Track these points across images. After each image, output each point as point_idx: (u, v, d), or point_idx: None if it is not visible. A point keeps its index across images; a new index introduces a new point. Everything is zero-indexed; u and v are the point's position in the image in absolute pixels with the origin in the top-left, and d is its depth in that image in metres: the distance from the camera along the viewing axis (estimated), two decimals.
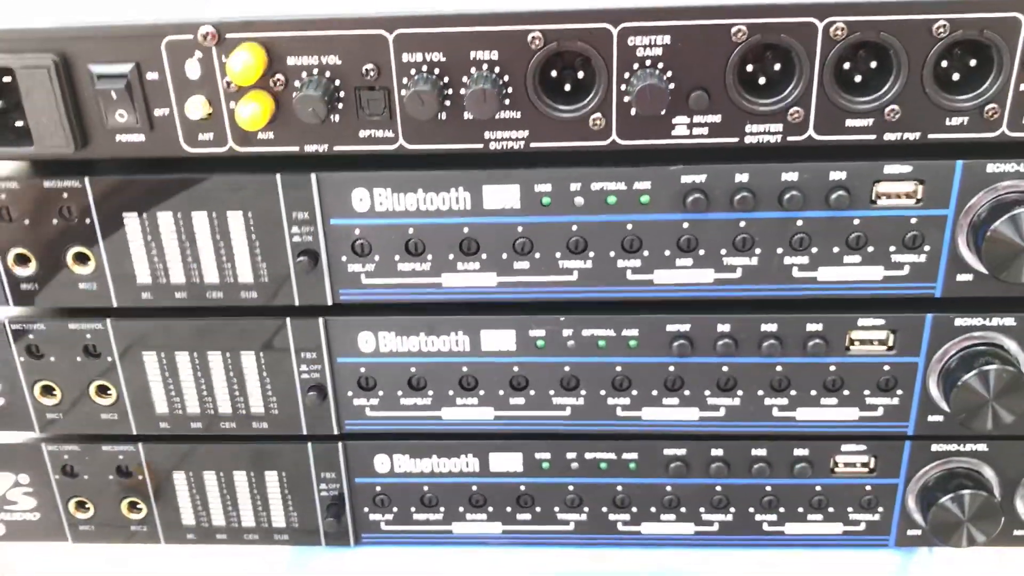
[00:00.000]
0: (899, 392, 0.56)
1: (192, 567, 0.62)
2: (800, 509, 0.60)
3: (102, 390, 0.58)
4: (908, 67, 0.48)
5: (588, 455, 0.59)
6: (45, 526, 0.62)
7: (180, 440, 0.59)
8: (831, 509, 0.60)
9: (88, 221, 0.53)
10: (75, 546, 0.63)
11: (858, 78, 0.49)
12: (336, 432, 0.59)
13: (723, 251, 0.53)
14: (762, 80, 0.49)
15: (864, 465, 0.59)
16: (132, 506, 0.62)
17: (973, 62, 0.48)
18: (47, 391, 0.58)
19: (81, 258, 0.54)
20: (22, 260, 0.54)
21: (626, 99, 0.49)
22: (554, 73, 0.49)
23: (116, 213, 0.53)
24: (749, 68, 0.49)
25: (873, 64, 0.49)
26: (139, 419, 0.58)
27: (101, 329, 0.56)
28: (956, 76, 0.49)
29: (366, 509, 0.61)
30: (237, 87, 0.49)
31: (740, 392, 0.56)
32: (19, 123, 0.51)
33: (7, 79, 0.50)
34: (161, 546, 0.63)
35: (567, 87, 0.50)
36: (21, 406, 0.58)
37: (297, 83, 0.49)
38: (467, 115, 0.49)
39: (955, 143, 0.50)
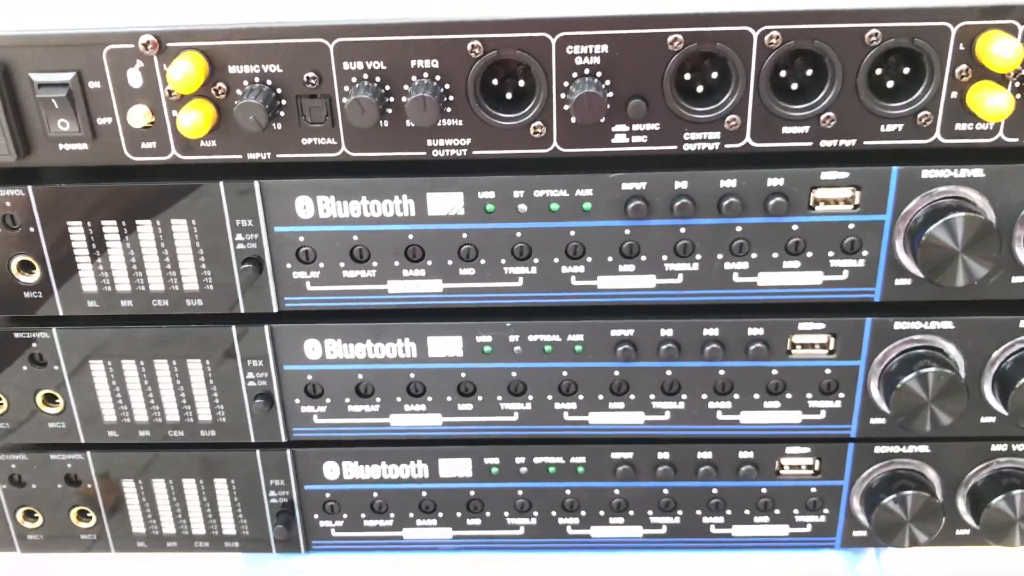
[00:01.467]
0: (841, 395, 0.57)
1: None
2: (747, 511, 0.60)
3: (49, 399, 0.58)
4: (843, 75, 0.48)
5: (536, 459, 0.59)
6: None
7: (129, 448, 0.59)
8: (777, 511, 0.60)
9: (32, 229, 0.53)
10: (23, 556, 0.63)
11: (794, 86, 0.50)
12: (284, 439, 0.59)
13: (664, 257, 0.53)
14: (700, 88, 0.50)
15: (809, 467, 0.59)
16: (82, 515, 0.61)
17: (906, 70, 0.49)
18: None
19: (26, 266, 0.54)
20: None
21: (566, 107, 0.49)
22: (495, 81, 0.50)
23: (60, 221, 0.53)
24: (687, 76, 0.50)
25: (809, 72, 0.50)
26: (87, 428, 0.58)
27: (47, 338, 0.56)
28: (890, 84, 0.49)
29: (316, 516, 0.61)
30: (179, 95, 0.49)
31: (684, 396, 0.57)
32: None
33: None
34: (111, 555, 0.63)
35: (508, 95, 0.50)
36: None
37: (239, 91, 0.49)
38: (409, 123, 0.50)
39: (890, 149, 0.50)
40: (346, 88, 0.49)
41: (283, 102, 0.50)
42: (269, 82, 0.49)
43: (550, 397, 0.57)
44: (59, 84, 0.49)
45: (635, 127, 0.50)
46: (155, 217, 0.53)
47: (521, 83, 0.50)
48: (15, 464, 0.60)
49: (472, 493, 0.60)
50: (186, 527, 0.62)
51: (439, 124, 0.50)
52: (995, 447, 0.58)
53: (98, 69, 0.49)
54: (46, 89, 0.49)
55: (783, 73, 0.50)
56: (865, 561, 0.62)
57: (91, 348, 0.56)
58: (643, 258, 0.53)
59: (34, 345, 0.56)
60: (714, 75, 0.50)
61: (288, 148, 0.51)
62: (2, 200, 0.52)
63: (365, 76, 0.49)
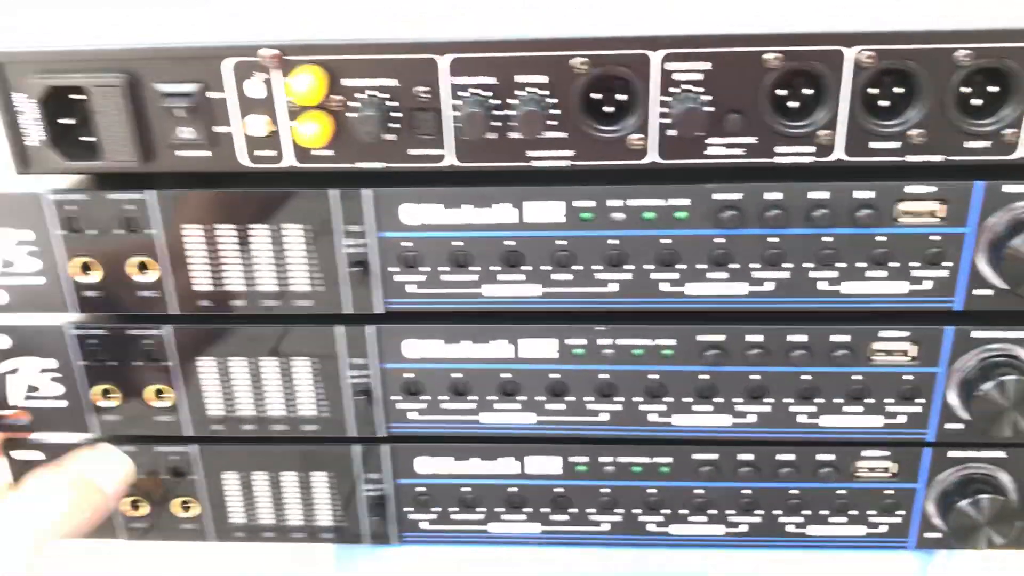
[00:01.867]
0: (920, 401, 0.58)
1: (241, 564, 0.65)
2: (824, 512, 0.62)
3: (159, 393, 0.61)
4: (932, 93, 0.50)
5: (622, 459, 0.61)
6: (101, 525, 0.65)
7: (233, 442, 0.62)
8: (853, 512, 0.62)
9: (150, 232, 0.56)
10: (128, 543, 0.66)
11: (884, 102, 0.52)
12: (382, 435, 0.61)
13: (754, 265, 0.55)
14: (793, 104, 0.52)
15: (885, 470, 0.61)
16: (184, 505, 0.64)
17: (993, 88, 0.51)
18: (106, 394, 0.61)
19: (143, 267, 0.57)
20: (86, 268, 0.57)
21: (665, 121, 0.52)
22: (597, 95, 0.52)
23: (177, 225, 0.56)
24: (781, 93, 0.52)
25: (898, 89, 0.52)
26: (194, 422, 0.61)
27: (160, 335, 0.59)
28: (977, 102, 0.51)
29: (408, 509, 0.64)
30: (298, 106, 0.52)
31: (769, 400, 0.59)
32: (86, 138, 0.54)
33: (77, 97, 0.53)
34: (210, 544, 0.66)
35: (609, 109, 0.53)
36: (79, 409, 0.61)
37: (354, 103, 0.52)
38: (513, 135, 0.52)
39: (975, 165, 0.52)
40: (456, 102, 0.52)
41: (395, 114, 0.52)
42: (383, 95, 0.52)
43: (638, 399, 0.59)
44: (183, 94, 0.52)
45: (730, 140, 0.52)
46: (269, 222, 0.56)
47: (621, 97, 0.52)
48: (125, 456, 0.63)
49: (559, 490, 0.63)
50: (283, 518, 0.64)
51: (542, 136, 0.52)
52: None
53: (220, 80, 0.52)
54: (171, 99, 0.52)
55: (873, 90, 0.52)
56: (937, 562, 0.64)
57: (202, 345, 0.59)
58: (734, 266, 0.55)
59: (148, 342, 0.59)
60: (808, 92, 0.52)
61: (397, 158, 0.54)
62: (123, 204, 0.55)
63: (474, 90, 0.52)
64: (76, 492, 0.57)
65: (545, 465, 0.62)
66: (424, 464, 0.62)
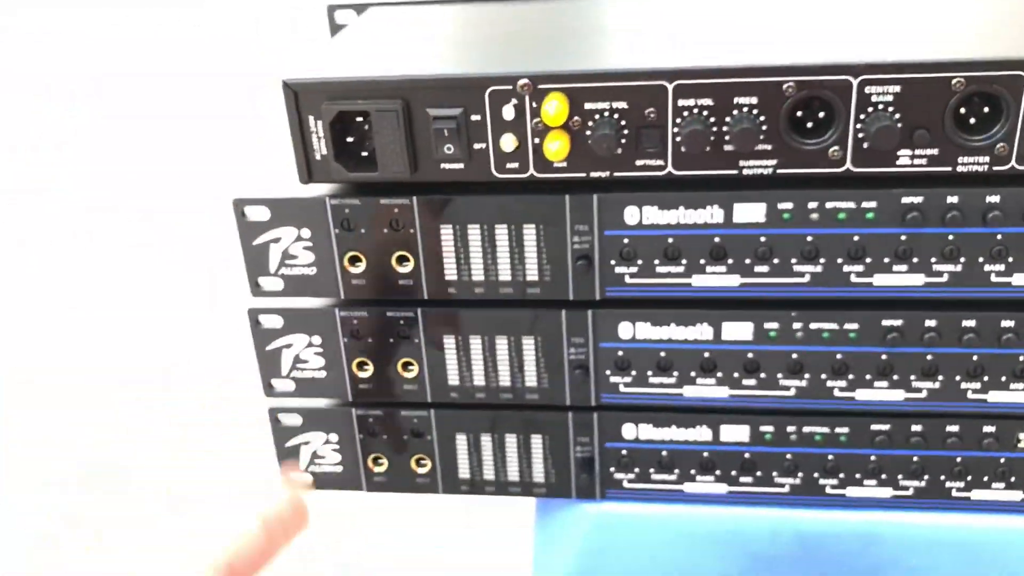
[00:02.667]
0: None
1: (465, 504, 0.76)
2: (986, 478, 0.70)
3: (406, 366, 0.72)
4: None
5: (806, 429, 0.70)
6: (345, 477, 0.76)
7: (466, 408, 0.73)
8: (1013, 479, 0.70)
9: (411, 231, 0.67)
10: (367, 494, 0.77)
11: None
12: (593, 404, 0.71)
13: (933, 259, 0.63)
14: (972, 120, 0.60)
15: None
16: (418, 462, 0.75)
17: None
18: (361, 366, 0.72)
19: (402, 260, 0.68)
20: (354, 261, 0.68)
21: (860, 136, 0.60)
22: (799, 113, 0.61)
23: (434, 225, 0.66)
24: (963, 110, 0.60)
25: None
26: (434, 390, 0.72)
27: (412, 316, 0.70)
28: None
29: (612, 469, 0.74)
30: (544, 126, 0.62)
31: (941, 377, 0.67)
32: (364, 153, 0.65)
33: (359, 120, 0.64)
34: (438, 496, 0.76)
35: (809, 124, 0.61)
36: (339, 377, 0.72)
37: (590, 123, 0.62)
38: (726, 147, 0.61)
39: None
40: (678, 120, 0.61)
41: (625, 131, 0.62)
42: (616, 116, 0.61)
43: (824, 376, 0.68)
44: (450, 118, 0.63)
45: (917, 152, 0.60)
46: (510, 223, 0.66)
47: (820, 114, 0.61)
48: (371, 419, 0.74)
49: (747, 455, 0.72)
50: (504, 475, 0.75)
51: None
52: None
53: (480, 105, 0.62)
54: (439, 122, 0.63)
55: None
56: None
57: (446, 326, 0.70)
58: (915, 260, 0.63)
59: (401, 323, 0.70)
60: (986, 109, 0.60)
61: (624, 168, 0.63)
62: (392, 207, 0.66)
63: (695, 110, 0.61)
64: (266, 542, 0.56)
65: (736, 433, 0.71)
66: (629, 430, 0.72)
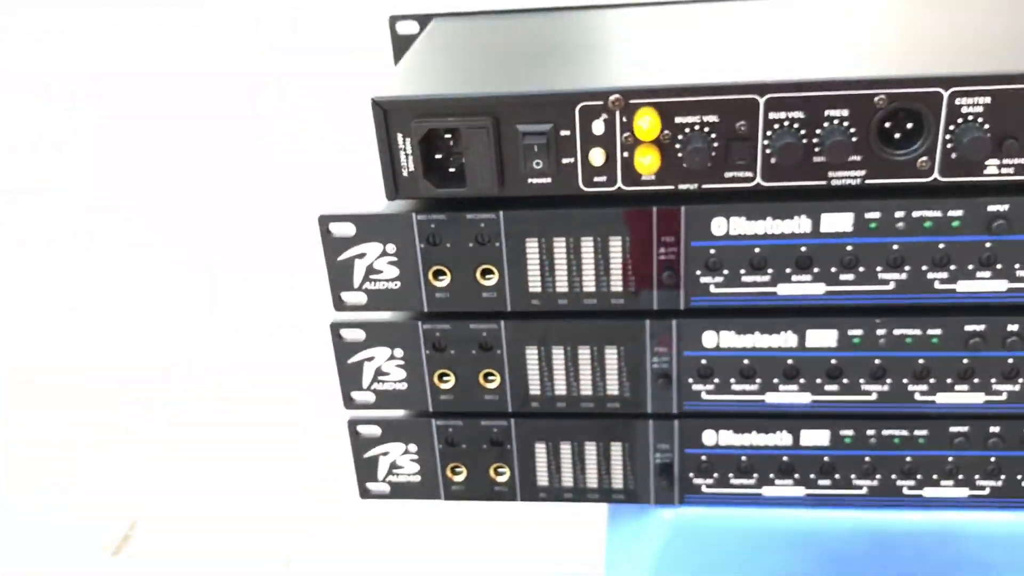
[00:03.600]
0: None
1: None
2: None
3: (487, 377, 0.72)
4: None
5: (885, 432, 0.71)
6: (424, 487, 0.77)
7: (546, 416, 0.73)
8: None
9: (496, 245, 0.67)
10: (445, 503, 0.78)
11: None
12: (675, 411, 0.72)
13: (1017, 265, 0.64)
14: None
15: None
16: (497, 470, 0.76)
17: None
18: (443, 377, 0.72)
19: (486, 273, 0.68)
20: (439, 275, 0.69)
21: (949, 146, 0.61)
22: (887, 124, 0.62)
23: (520, 238, 0.67)
24: None
25: None
26: (515, 400, 0.73)
27: (495, 328, 0.70)
28: None
29: (691, 474, 0.74)
30: (633, 140, 0.63)
31: (1021, 380, 0.68)
32: (451, 169, 0.65)
33: (446, 136, 0.64)
34: (517, 503, 0.77)
35: (897, 135, 0.62)
36: (419, 389, 0.73)
37: (680, 136, 0.62)
38: (817, 159, 0.62)
39: None
40: (768, 133, 0.62)
41: (715, 144, 0.62)
42: (707, 129, 0.62)
43: (906, 381, 0.69)
44: (540, 133, 0.63)
45: (1005, 161, 0.61)
46: (596, 235, 0.66)
47: (909, 125, 0.62)
48: (452, 429, 0.74)
49: (826, 459, 0.72)
50: (582, 481, 0.76)
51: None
52: None
53: (570, 121, 0.63)
54: (529, 137, 0.63)
55: None
56: None
57: (529, 337, 0.70)
58: (998, 267, 0.64)
59: (484, 335, 0.70)
60: None
61: (713, 179, 0.64)
62: (478, 222, 0.66)
63: (786, 123, 0.61)
64: None
65: (815, 437, 0.72)
66: (710, 436, 0.73)
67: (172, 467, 1.87)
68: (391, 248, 0.68)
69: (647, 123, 0.61)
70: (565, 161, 0.64)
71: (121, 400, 2.10)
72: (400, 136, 0.64)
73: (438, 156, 0.65)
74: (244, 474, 1.79)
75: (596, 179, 0.64)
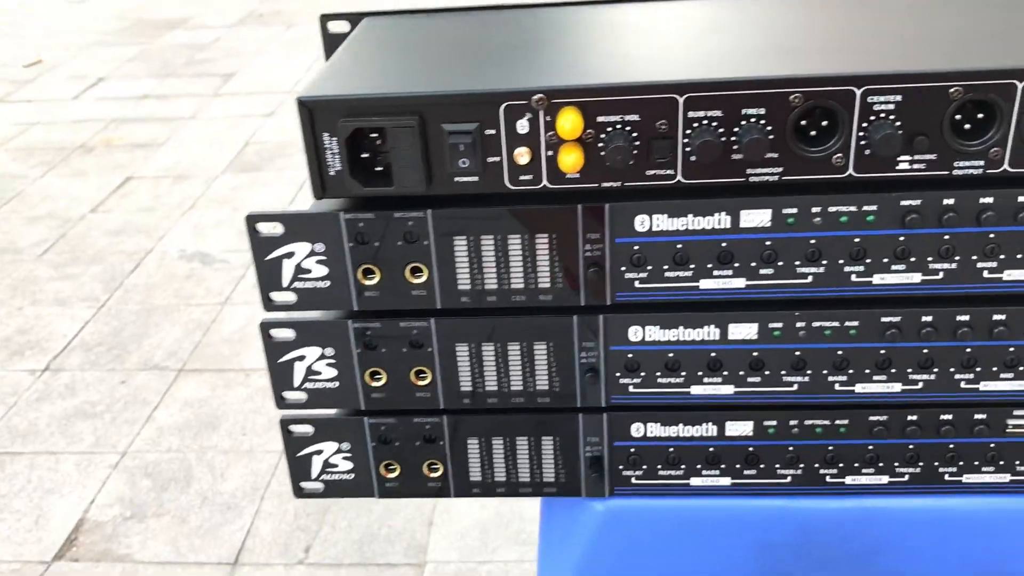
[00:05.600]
0: None
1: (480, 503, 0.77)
2: (976, 463, 0.74)
3: (419, 374, 0.73)
4: None
5: (807, 422, 0.73)
6: (358, 484, 0.77)
7: (478, 413, 0.74)
8: (1002, 462, 0.74)
9: (425, 243, 0.68)
10: (379, 500, 0.78)
11: None
12: (603, 405, 0.73)
13: (930, 258, 0.66)
14: (967, 126, 0.63)
15: None
16: (431, 467, 0.77)
17: None
18: (374, 376, 0.73)
19: (416, 271, 0.69)
20: (368, 273, 0.69)
21: (863, 142, 0.63)
22: (803, 122, 0.63)
23: (448, 236, 0.67)
24: (958, 117, 0.63)
25: None
26: (447, 397, 0.73)
27: (426, 326, 0.71)
28: None
29: (621, 467, 0.76)
30: (558, 139, 0.63)
31: (936, 369, 0.70)
32: (378, 168, 0.66)
33: (373, 135, 0.65)
34: (450, 499, 0.78)
35: (813, 132, 0.64)
36: (351, 387, 0.73)
37: (603, 135, 0.63)
38: (735, 156, 0.64)
39: None
40: (688, 131, 0.63)
41: (636, 143, 0.64)
42: (628, 128, 0.63)
43: (825, 371, 0.71)
44: (465, 132, 0.64)
45: (917, 157, 0.63)
46: (523, 233, 0.67)
47: (824, 123, 0.63)
48: (384, 426, 0.75)
49: (751, 449, 0.74)
50: (515, 476, 0.76)
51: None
52: None
53: (495, 120, 0.63)
54: (455, 136, 0.64)
55: None
56: None
57: (459, 334, 0.71)
58: (912, 259, 0.66)
59: (415, 332, 0.71)
60: (979, 115, 0.63)
61: (635, 178, 0.65)
62: (406, 220, 0.67)
63: (705, 122, 0.63)
64: None
65: (740, 428, 0.74)
66: (638, 429, 0.74)
67: None
68: (320, 247, 0.68)
69: (569, 122, 0.62)
70: (491, 160, 0.65)
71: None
72: (326, 136, 0.64)
73: (365, 155, 0.65)
74: None
75: (522, 177, 0.65)
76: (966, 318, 0.68)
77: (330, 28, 0.84)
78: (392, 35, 0.78)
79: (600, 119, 0.63)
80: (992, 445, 0.73)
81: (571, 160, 0.63)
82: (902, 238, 0.66)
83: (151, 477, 1.82)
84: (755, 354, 0.71)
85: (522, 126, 0.64)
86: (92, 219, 2.81)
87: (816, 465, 0.75)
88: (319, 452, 0.77)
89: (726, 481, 0.76)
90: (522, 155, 0.64)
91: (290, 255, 0.69)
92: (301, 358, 0.73)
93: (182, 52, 4.10)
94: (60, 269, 2.56)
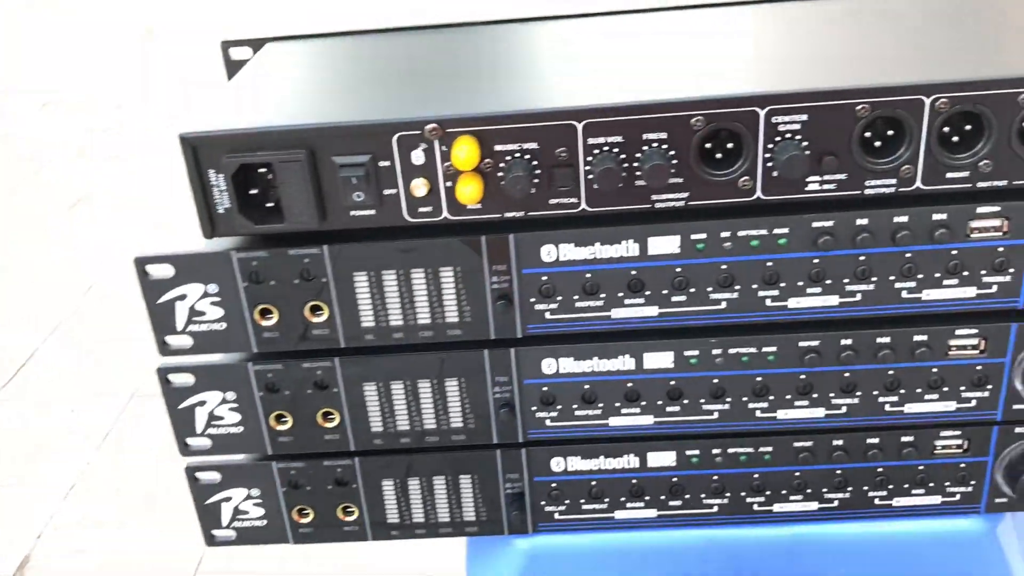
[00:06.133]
0: (989, 387, 0.67)
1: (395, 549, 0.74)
2: (906, 486, 0.72)
3: (327, 416, 0.70)
4: (998, 129, 0.59)
5: (731, 450, 0.71)
6: (271, 531, 0.74)
7: (391, 453, 0.71)
8: (932, 484, 0.72)
9: (324, 280, 0.65)
10: (294, 547, 0.75)
11: (955, 138, 0.61)
12: (521, 440, 0.71)
13: (846, 280, 0.64)
14: (878, 144, 0.61)
15: (959, 447, 0.70)
16: (345, 510, 0.73)
17: None
18: (279, 419, 0.70)
19: (315, 310, 0.66)
20: (265, 314, 0.66)
21: (769, 164, 0.61)
22: (708, 145, 0.61)
23: (347, 272, 0.64)
24: (868, 135, 0.61)
25: (967, 127, 0.60)
26: (357, 438, 0.70)
27: (330, 366, 0.68)
28: None
29: (543, 502, 0.73)
30: (455, 169, 0.61)
31: (859, 393, 0.68)
32: (269, 204, 0.63)
33: (261, 170, 0.62)
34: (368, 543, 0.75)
35: (719, 156, 0.61)
36: (256, 432, 0.70)
37: (502, 164, 0.61)
38: (638, 182, 0.61)
39: None
40: (589, 158, 0.61)
41: (537, 171, 0.61)
42: (527, 156, 0.60)
43: (745, 399, 0.68)
44: (357, 165, 0.61)
45: (826, 177, 0.61)
46: (427, 266, 0.64)
47: (729, 145, 0.61)
48: (294, 471, 0.72)
49: (675, 479, 0.72)
50: (434, 516, 0.74)
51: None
52: None
53: (388, 151, 0.61)
54: (347, 169, 0.61)
55: (946, 128, 0.60)
56: (1004, 524, 0.73)
57: (366, 373, 0.68)
58: (828, 282, 0.64)
59: (319, 373, 0.68)
60: (890, 132, 0.61)
61: (538, 207, 0.62)
62: (302, 258, 0.64)
63: (606, 148, 0.60)
64: None
65: (663, 459, 0.71)
66: (558, 463, 0.72)
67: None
68: (213, 288, 0.65)
69: (464, 152, 0.59)
70: (387, 192, 0.62)
71: None
72: (212, 172, 0.61)
73: (254, 191, 0.62)
74: None
75: (421, 209, 0.63)
76: (887, 340, 0.66)
77: (232, 55, 0.81)
78: (291, 61, 0.75)
79: (498, 148, 0.60)
80: (921, 467, 0.71)
81: (469, 191, 0.60)
82: (816, 260, 0.64)
83: None
84: (672, 383, 0.68)
85: (417, 157, 0.61)
86: None
87: (743, 494, 0.72)
88: (228, 499, 0.73)
89: (652, 513, 0.73)
90: (419, 187, 0.61)
91: (183, 297, 0.65)
92: (202, 403, 0.69)
93: None
94: None
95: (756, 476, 0.72)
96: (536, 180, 0.61)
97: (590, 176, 0.61)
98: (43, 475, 1.87)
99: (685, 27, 0.77)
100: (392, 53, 0.76)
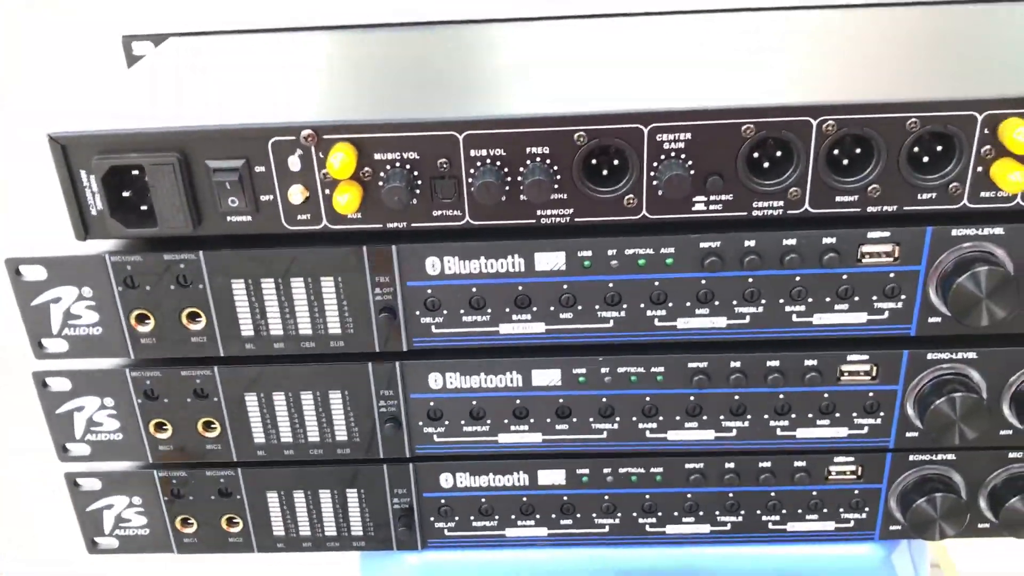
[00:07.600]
0: (881, 414, 0.66)
1: (282, 568, 0.73)
2: (800, 511, 0.71)
3: (208, 425, 0.68)
4: (887, 154, 0.58)
5: (621, 470, 0.69)
6: (154, 540, 0.72)
7: (274, 465, 0.69)
8: (826, 510, 0.71)
9: (201, 286, 0.63)
10: (179, 556, 0.73)
11: (845, 161, 0.59)
12: (408, 455, 0.69)
13: (735, 302, 0.63)
14: (766, 164, 0.60)
15: (852, 473, 0.69)
16: (230, 521, 0.72)
17: (939, 148, 0.59)
18: (159, 427, 0.68)
19: (193, 316, 0.64)
20: (142, 319, 0.64)
21: (654, 183, 0.59)
22: (594, 161, 0.60)
23: (225, 279, 0.63)
24: (755, 155, 0.59)
25: (857, 150, 0.59)
26: (239, 449, 0.68)
27: (209, 375, 0.66)
28: (926, 159, 0.59)
29: (432, 519, 0.72)
30: (333, 178, 0.59)
31: (749, 416, 0.67)
32: (143, 207, 0.61)
33: (135, 172, 0.60)
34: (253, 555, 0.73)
35: (605, 172, 0.60)
36: (137, 440, 0.68)
37: (382, 174, 0.59)
38: (523, 197, 0.60)
39: (925, 213, 0.60)
40: (471, 171, 0.59)
41: (419, 182, 0.59)
42: (408, 166, 0.59)
43: (635, 418, 0.67)
44: (231, 169, 0.59)
45: (712, 197, 0.60)
46: (307, 276, 0.63)
47: (616, 162, 0.60)
48: (176, 480, 0.70)
49: (565, 498, 0.70)
50: (320, 530, 0.72)
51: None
52: (1012, 455, 0.68)
53: (264, 156, 0.59)
54: (220, 174, 0.59)
55: (835, 151, 0.59)
56: (899, 551, 0.72)
57: (247, 383, 0.66)
58: (716, 303, 0.63)
59: (198, 381, 0.66)
60: (778, 154, 0.59)
61: (421, 218, 0.61)
62: (178, 263, 0.62)
63: (488, 161, 0.59)
64: None
65: (552, 477, 0.70)
66: (447, 479, 0.70)
67: None
68: (87, 292, 0.63)
69: (339, 161, 0.58)
70: (264, 198, 0.60)
71: None
72: (84, 173, 0.59)
73: (127, 194, 0.60)
74: None
75: (300, 217, 0.61)
76: (776, 364, 0.65)
77: (134, 50, 0.79)
78: (184, 60, 0.73)
79: (378, 157, 0.59)
80: (815, 493, 0.70)
81: (345, 200, 0.59)
82: (703, 281, 0.63)
83: None
84: (561, 401, 0.67)
85: (294, 163, 0.59)
86: None
87: (634, 514, 0.71)
88: (109, 507, 0.71)
89: (543, 531, 0.72)
90: (296, 194, 0.60)
91: (57, 300, 0.63)
92: (80, 408, 0.67)
93: None
94: None
95: (647, 497, 0.70)
96: (417, 191, 0.60)
97: (472, 189, 0.59)
98: None
99: (579, 37, 0.76)
100: (289, 53, 0.74)
